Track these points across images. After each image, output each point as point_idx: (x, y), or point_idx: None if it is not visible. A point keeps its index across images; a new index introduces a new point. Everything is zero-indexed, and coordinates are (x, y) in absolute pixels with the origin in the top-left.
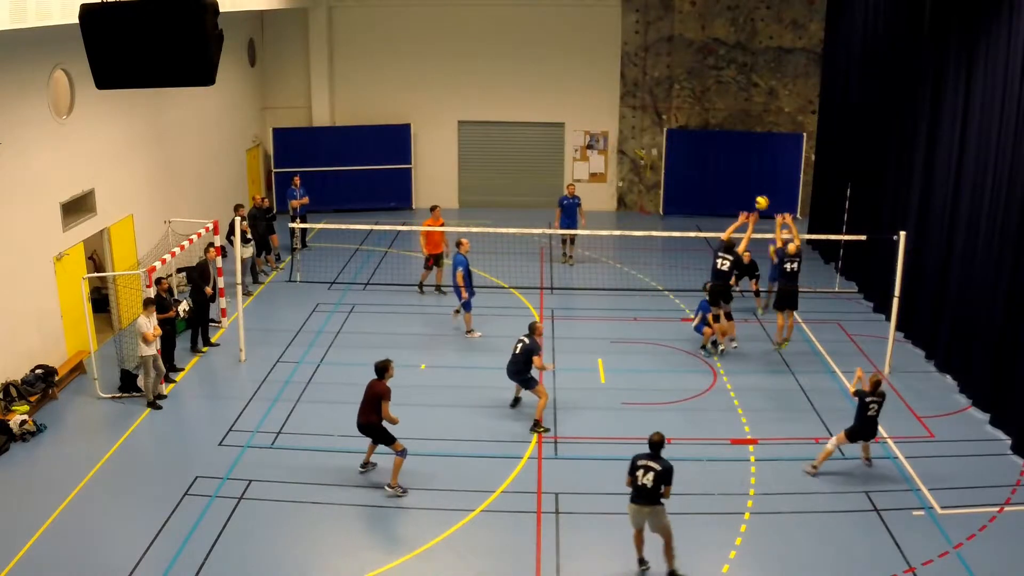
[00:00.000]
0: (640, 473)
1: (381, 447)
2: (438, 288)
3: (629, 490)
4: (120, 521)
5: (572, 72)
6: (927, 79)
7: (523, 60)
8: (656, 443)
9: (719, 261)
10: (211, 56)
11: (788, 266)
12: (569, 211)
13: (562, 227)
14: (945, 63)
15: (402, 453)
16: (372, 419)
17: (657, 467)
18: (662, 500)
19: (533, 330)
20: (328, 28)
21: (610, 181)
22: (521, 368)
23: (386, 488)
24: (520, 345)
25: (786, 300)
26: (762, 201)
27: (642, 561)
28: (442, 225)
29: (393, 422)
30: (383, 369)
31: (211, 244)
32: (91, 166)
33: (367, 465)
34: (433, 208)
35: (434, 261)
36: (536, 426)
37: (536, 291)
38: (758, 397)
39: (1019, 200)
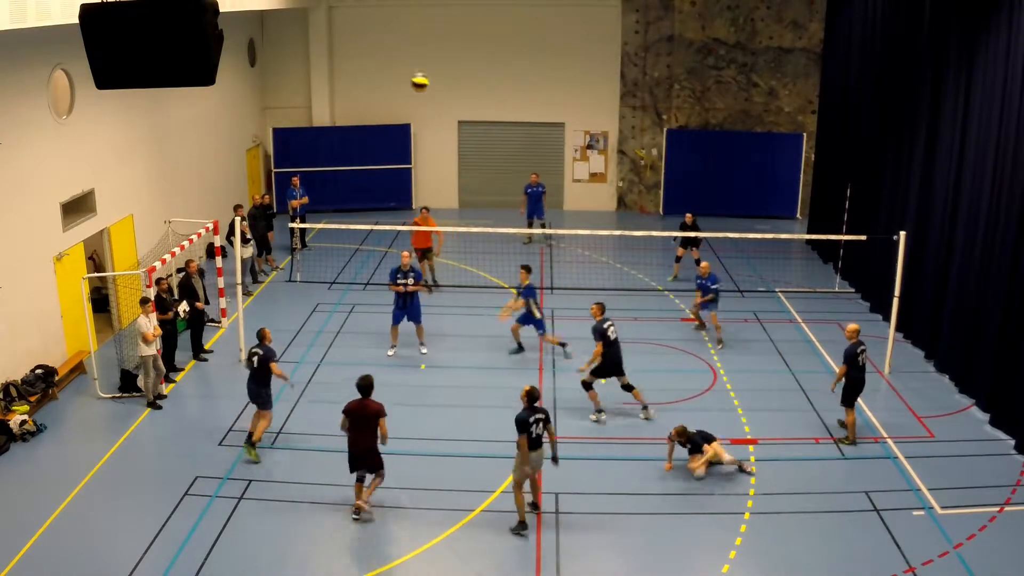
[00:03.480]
0: (535, 427)
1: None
2: (426, 283)
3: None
4: (120, 521)
5: (572, 72)
6: (927, 79)
7: (523, 60)
8: (533, 396)
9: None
10: (211, 56)
11: (860, 358)
12: (535, 198)
13: (528, 214)
14: (945, 63)
15: (382, 478)
16: (373, 442)
17: (542, 416)
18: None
19: (262, 337)
20: (328, 28)
21: (610, 181)
22: (261, 381)
23: (353, 510)
24: (256, 358)
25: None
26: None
27: (535, 505)
28: (429, 224)
29: (385, 441)
30: (369, 386)
31: (189, 260)
32: (91, 166)
33: (361, 510)
34: (422, 209)
35: (421, 255)
36: (249, 440)
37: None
38: (758, 397)
39: (1019, 200)
